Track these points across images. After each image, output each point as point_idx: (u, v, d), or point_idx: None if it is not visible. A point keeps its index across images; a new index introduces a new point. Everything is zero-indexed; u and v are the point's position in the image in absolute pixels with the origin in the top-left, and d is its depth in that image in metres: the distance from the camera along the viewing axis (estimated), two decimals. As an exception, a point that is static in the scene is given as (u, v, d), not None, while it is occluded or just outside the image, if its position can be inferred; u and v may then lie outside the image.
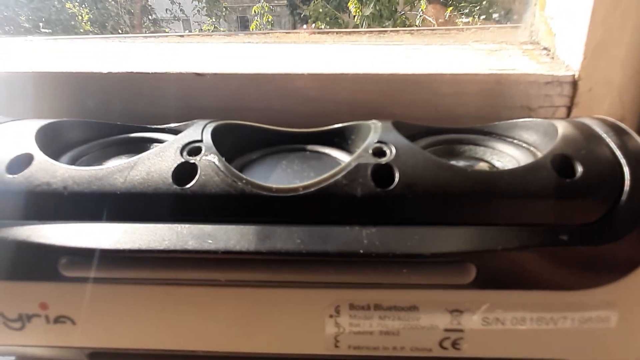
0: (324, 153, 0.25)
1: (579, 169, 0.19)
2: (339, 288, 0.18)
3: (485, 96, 0.28)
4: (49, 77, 0.30)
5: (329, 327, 0.18)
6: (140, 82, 0.29)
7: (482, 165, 0.23)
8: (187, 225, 0.18)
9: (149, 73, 0.29)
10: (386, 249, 0.17)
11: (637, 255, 0.17)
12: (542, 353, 0.18)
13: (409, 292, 0.18)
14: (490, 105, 0.29)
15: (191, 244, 0.17)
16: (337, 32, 0.47)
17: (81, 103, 0.30)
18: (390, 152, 0.20)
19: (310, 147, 0.25)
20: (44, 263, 0.18)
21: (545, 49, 0.31)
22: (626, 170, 0.19)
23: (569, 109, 0.28)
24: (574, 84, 0.27)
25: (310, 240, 0.17)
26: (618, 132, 0.21)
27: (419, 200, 0.18)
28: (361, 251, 0.17)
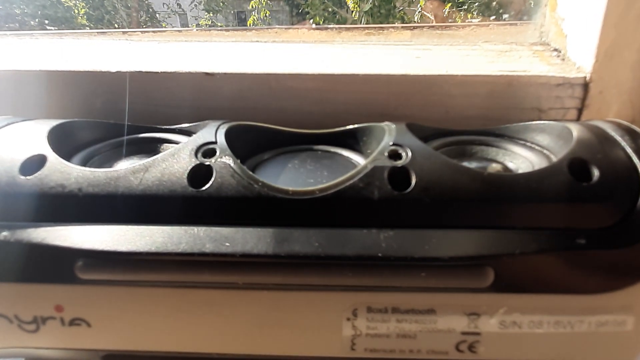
0: (337, 153, 0.25)
1: (596, 172, 0.19)
2: (357, 291, 0.18)
3: (496, 97, 0.28)
4: (58, 76, 0.30)
5: (346, 330, 0.18)
6: (149, 81, 0.29)
7: (496, 167, 0.23)
8: (203, 228, 0.18)
9: (158, 72, 0.29)
10: (404, 253, 0.17)
11: (653, 260, 0.17)
12: (559, 356, 0.18)
13: (426, 296, 0.18)
14: (501, 107, 0.29)
15: (208, 247, 0.17)
16: (336, 29, 0.46)
17: (89, 102, 0.30)
18: (406, 154, 0.20)
19: (322, 147, 0.25)
20: (60, 265, 0.17)
21: (555, 50, 0.31)
22: (642, 174, 0.19)
23: (580, 110, 0.28)
24: (585, 86, 0.27)
25: (328, 244, 0.17)
26: (633, 135, 0.21)
27: (436, 203, 0.18)
28: (379, 255, 0.17)
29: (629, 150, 0.20)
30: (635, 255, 0.17)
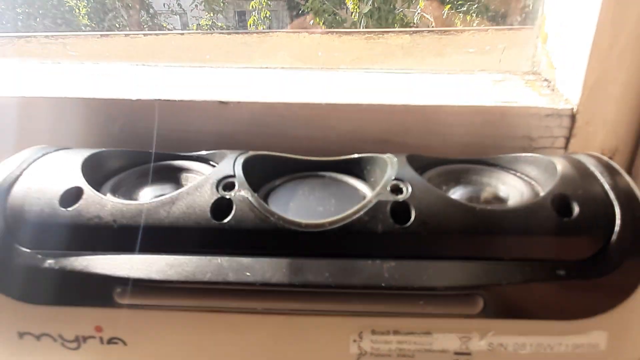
0: (343, 181, 0.27)
1: (576, 208, 0.21)
2: (363, 316, 0.20)
3: (490, 126, 0.30)
4: (79, 103, 0.32)
5: (352, 349, 0.20)
6: (167, 109, 0.31)
7: (489, 195, 0.25)
8: (226, 258, 0.20)
9: (175, 100, 0.31)
10: (405, 283, 0.19)
11: (625, 289, 0.20)
12: (541, 373, 0.20)
13: (423, 320, 0.20)
14: (495, 135, 0.31)
15: (231, 276, 0.19)
16: (336, 32, 0.48)
17: (107, 128, 0.32)
18: (407, 189, 0.22)
19: (329, 174, 0.28)
20: (100, 291, 0.20)
21: (546, 80, 0.33)
22: (617, 210, 0.21)
23: (567, 139, 0.30)
24: (573, 117, 0.30)
25: (337, 274, 0.20)
26: (611, 171, 0.23)
27: (433, 236, 0.20)
28: (383, 284, 0.19)
29: (607, 187, 0.22)
30: (608, 285, 0.20)
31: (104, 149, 0.26)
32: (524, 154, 0.26)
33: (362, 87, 0.33)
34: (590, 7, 0.27)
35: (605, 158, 0.24)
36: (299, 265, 0.20)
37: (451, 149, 0.31)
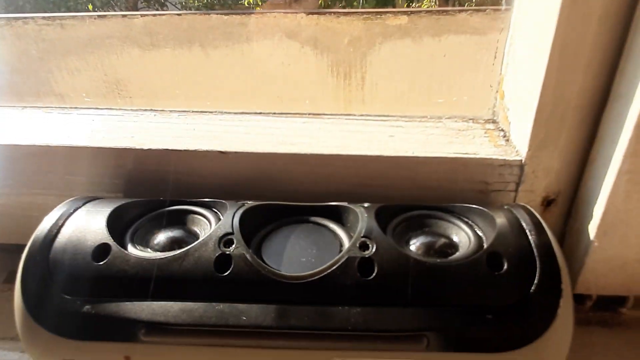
0: (324, 225, 0.32)
1: (505, 264, 0.26)
2: (335, 349, 0.25)
3: (452, 173, 0.36)
4: (92, 152, 0.37)
5: (326, 375, 0.26)
6: (173, 158, 0.36)
7: (443, 245, 0.30)
8: (226, 305, 0.26)
9: (181, 150, 0.36)
10: (366, 326, 0.25)
11: (541, 327, 0.25)
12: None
13: (382, 353, 0.25)
14: (457, 180, 0.36)
15: (231, 320, 0.25)
16: (334, 13, 0.48)
17: (119, 174, 0.37)
18: (372, 247, 0.27)
19: (313, 219, 0.33)
20: (128, 330, 0.25)
21: (502, 130, 0.38)
22: (538, 266, 0.26)
23: (517, 184, 0.36)
24: (522, 167, 0.35)
25: (314, 318, 0.25)
26: (537, 229, 0.28)
27: (391, 287, 0.26)
28: (349, 328, 0.25)
29: (533, 244, 0.27)
30: (528, 325, 0.25)
31: (122, 202, 0.32)
32: (474, 206, 0.31)
33: (344, 134, 0.38)
34: (535, 78, 0.32)
35: (537, 215, 0.29)
36: (284, 311, 0.25)
37: (419, 192, 0.36)
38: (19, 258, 0.28)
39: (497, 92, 0.38)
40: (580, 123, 0.33)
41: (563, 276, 0.26)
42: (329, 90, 0.46)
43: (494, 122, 0.39)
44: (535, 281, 0.26)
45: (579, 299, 0.38)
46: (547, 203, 0.36)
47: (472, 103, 0.39)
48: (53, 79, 0.48)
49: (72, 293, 0.26)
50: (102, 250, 0.27)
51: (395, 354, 0.25)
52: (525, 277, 0.26)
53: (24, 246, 0.28)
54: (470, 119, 0.40)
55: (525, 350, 0.25)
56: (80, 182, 0.38)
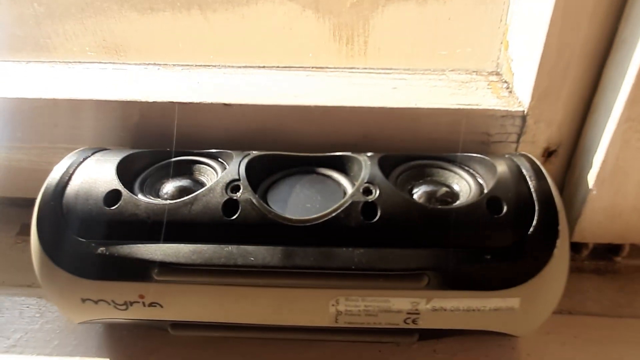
0: (328, 176, 0.33)
1: (505, 208, 0.27)
2: (339, 288, 0.27)
3: (455, 125, 0.36)
4: (98, 104, 0.37)
5: (331, 310, 0.27)
6: (178, 110, 0.36)
7: (444, 192, 0.31)
8: (235, 246, 0.27)
9: (186, 102, 0.36)
10: (370, 266, 0.26)
11: (535, 268, 0.26)
12: (471, 326, 0.28)
13: (385, 291, 0.27)
14: (458, 132, 0.36)
15: (239, 261, 0.26)
16: None
17: (124, 126, 0.38)
18: (375, 191, 0.28)
19: (317, 169, 0.33)
20: (142, 270, 0.26)
21: (505, 82, 0.38)
22: (537, 209, 0.27)
23: (519, 135, 0.36)
24: (524, 118, 0.35)
25: (320, 258, 0.26)
26: (538, 176, 0.29)
27: (394, 230, 0.27)
28: (353, 267, 0.26)
29: (532, 189, 0.28)
30: (524, 265, 0.26)
31: (131, 151, 0.32)
32: (475, 155, 0.32)
33: (347, 87, 0.38)
34: (539, 27, 0.32)
35: (538, 162, 0.30)
36: (290, 252, 0.26)
37: (422, 144, 0.37)
38: (30, 212, 0.29)
39: (501, 42, 0.38)
40: (583, 73, 0.33)
41: (560, 218, 0.27)
42: (332, 55, 0.45)
43: (497, 74, 0.39)
44: (534, 223, 0.27)
45: (576, 248, 0.39)
46: (548, 154, 0.37)
47: (476, 55, 0.39)
48: (52, 44, 0.47)
49: (87, 236, 0.27)
50: (113, 196, 0.28)
51: (397, 292, 0.27)
52: (523, 220, 0.27)
53: (33, 200, 0.29)
54: (474, 71, 0.39)
55: (521, 288, 0.26)
56: (87, 135, 0.38)
